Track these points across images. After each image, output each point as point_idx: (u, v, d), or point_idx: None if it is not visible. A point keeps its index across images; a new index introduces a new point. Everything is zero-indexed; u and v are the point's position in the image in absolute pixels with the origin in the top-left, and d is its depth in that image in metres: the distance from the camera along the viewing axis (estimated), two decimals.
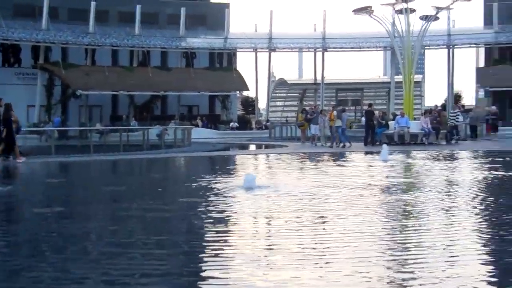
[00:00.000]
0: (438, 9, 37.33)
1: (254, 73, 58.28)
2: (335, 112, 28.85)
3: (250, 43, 58.02)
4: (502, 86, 53.67)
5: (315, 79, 61.34)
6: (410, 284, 4.71)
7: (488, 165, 16.60)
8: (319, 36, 59.12)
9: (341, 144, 27.58)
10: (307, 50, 62.56)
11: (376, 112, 33.93)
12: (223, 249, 6.14)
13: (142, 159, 22.72)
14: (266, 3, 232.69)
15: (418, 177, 13.80)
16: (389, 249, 5.92)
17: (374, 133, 29.20)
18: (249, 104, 75.13)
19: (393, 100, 55.87)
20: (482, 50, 60.85)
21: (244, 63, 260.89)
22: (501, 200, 9.65)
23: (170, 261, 5.64)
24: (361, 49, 59.26)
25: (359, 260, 5.44)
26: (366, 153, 23.45)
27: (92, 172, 18.34)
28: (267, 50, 58.43)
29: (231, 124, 52.65)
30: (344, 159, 20.44)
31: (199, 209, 8.71)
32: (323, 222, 7.71)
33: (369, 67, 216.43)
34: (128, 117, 49.03)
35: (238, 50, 59.51)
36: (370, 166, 17.15)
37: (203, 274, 5.15)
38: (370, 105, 31.92)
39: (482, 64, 60.23)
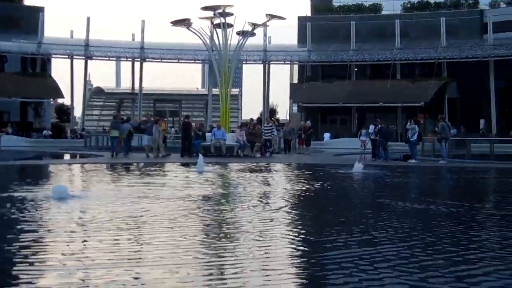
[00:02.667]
0: (255, 25, 38.21)
1: (69, 80, 56.31)
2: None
3: (66, 49, 56.15)
4: (314, 102, 56.30)
5: (133, 88, 60.64)
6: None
7: (300, 177, 17.24)
8: (137, 46, 58.57)
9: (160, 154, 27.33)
10: (125, 59, 61.63)
11: (193, 124, 34.03)
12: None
13: None
14: (83, 9, 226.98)
15: (230, 188, 13.91)
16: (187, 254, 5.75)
17: (191, 145, 29.19)
18: (64, 112, 72.51)
19: (211, 112, 56.56)
20: (296, 67, 63.44)
21: (59, 69, 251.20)
22: (313, 208, 9.90)
23: None
24: (180, 60, 59.49)
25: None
26: (183, 164, 23.31)
27: None
28: (84, 57, 56.83)
29: (44, 132, 50.44)
30: (159, 170, 20.16)
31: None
32: (129, 229, 7.40)
33: (188, 79, 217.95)
34: None
35: (52, 56, 57.31)
36: (185, 177, 17.02)
37: None
38: (187, 116, 31.85)
39: (295, 80, 62.72)
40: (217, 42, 36.67)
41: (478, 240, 7.08)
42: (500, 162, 28.58)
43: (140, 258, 6.00)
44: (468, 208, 10.21)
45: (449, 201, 11.64)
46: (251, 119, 37.99)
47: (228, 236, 7.26)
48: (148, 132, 28.59)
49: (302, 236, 7.26)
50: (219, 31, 36.59)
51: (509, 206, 10.73)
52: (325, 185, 14.57)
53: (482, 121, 55.45)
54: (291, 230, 7.74)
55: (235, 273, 5.27)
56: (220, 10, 35.91)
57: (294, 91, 60.84)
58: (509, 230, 7.91)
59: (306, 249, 6.49)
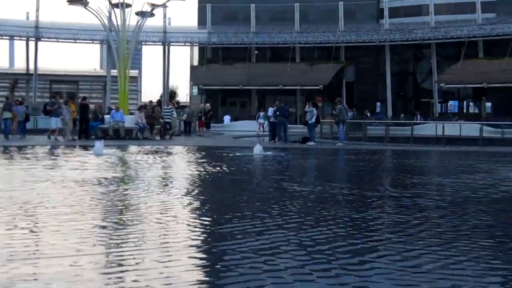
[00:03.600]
0: (154, 6, 37.60)
1: None
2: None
3: None
4: (214, 85, 56.25)
5: (28, 69, 58.56)
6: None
7: (200, 160, 17.18)
8: (32, 25, 56.50)
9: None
10: (19, 38, 59.24)
11: (93, 106, 33.26)
12: None
13: None
14: None
15: (128, 172, 13.62)
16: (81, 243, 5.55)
17: (88, 127, 28.48)
18: None
19: (109, 94, 55.42)
20: (196, 49, 63.06)
21: None
22: (213, 193, 9.84)
23: None
24: (77, 41, 57.78)
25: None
26: (80, 147, 22.68)
27: None
28: None
29: None
30: (55, 153, 19.53)
31: None
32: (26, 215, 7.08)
33: (85, 60, 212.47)
34: None
35: None
36: (82, 160, 16.54)
37: None
38: (84, 98, 30.98)
39: (196, 62, 62.37)
40: (115, 22, 35.75)
41: (362, 220, 7.21)
42: (394, 144, 29.53)
43: (36, 250, 5.72)
44: (357, 190, 10.42)
45: (342, 184, 11.87)
46: (150, 101, 37.58)
47: (124, 222, 7.07)
48: (55, 113, 26.89)
49: (201, 222, 7.16)
50: (118, 11, 35.72)
51: (394, 188, 11.00)
52: (224, 168, 14.53)
53: (378, 104, 57.06)
54: (190, 216, 7.64)
55: (135, 263, 5.10)
56: None
57: (194, 73, 60.53)
58: (394, 211, 8.10)
59: (205, 236, 6.42)
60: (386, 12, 56.50)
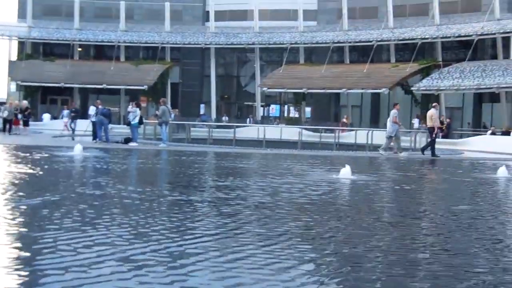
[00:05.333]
0: None
1: None
2: None
3: None
4: (34, 81, 53.97)
5: None
6: None
7: (15, 160, 16.24)
8: None
9: None
10: None
11: None
12: None
13: None
14: None
15: None
16: None
17: None
18: None
19: None
20: (15, 43, 60.08)
21: None
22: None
23: None
24: None
25: None
26: None
27: None
28: None
29: None
30: None
31: None
32: None
33: None
34: None
35: None
36: None
37: None
38: None
39: (14, 57, 59.43)
40: None
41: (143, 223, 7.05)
42: (217, 146, 29.79)
43: None
44: (160, 192, 10.28)
45: (145, 185, 11.66)
46: None
47: None
48: None
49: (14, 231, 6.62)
50: None
51: (197, 191, 10.97)
52: (40, 169, 13.81)
53: (202, 106, 57.50)
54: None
55: None
56: None
57: (13, 68, 57.63)
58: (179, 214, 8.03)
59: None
60: (212, 15, 57.06)
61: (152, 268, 4.86)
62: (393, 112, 26.04)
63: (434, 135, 24.72)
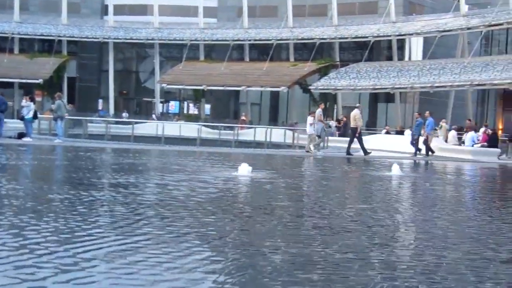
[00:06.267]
0: None
1: None
2: None
3: None
4: None
5: None
6: None
7: None
8: None
9: None
10: None
11: None
12: None
13: None
14: None
15: None
16: None
17: None
18: None
19: None
20: None
21: None
22: None
23: None
24: None
25: None
26: None
27: None
28: None
29: None
30: None
31: None
32: None
33: None
34: None
35: None
36: None
37: None
38: None
39: None
40: None
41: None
42: (115, 142, 29.30)
43: None
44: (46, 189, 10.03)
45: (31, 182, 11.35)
46: None
47: None
48: None
49: None
50: None
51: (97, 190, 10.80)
52: None
53: (100, 101, 56.44)
54: None
55: None
56: None
57: None
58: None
59: None
60: (110, 9, 56.08)
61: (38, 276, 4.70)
62: (318, 111, 27.42)
63: (358, 135, 25.39)
